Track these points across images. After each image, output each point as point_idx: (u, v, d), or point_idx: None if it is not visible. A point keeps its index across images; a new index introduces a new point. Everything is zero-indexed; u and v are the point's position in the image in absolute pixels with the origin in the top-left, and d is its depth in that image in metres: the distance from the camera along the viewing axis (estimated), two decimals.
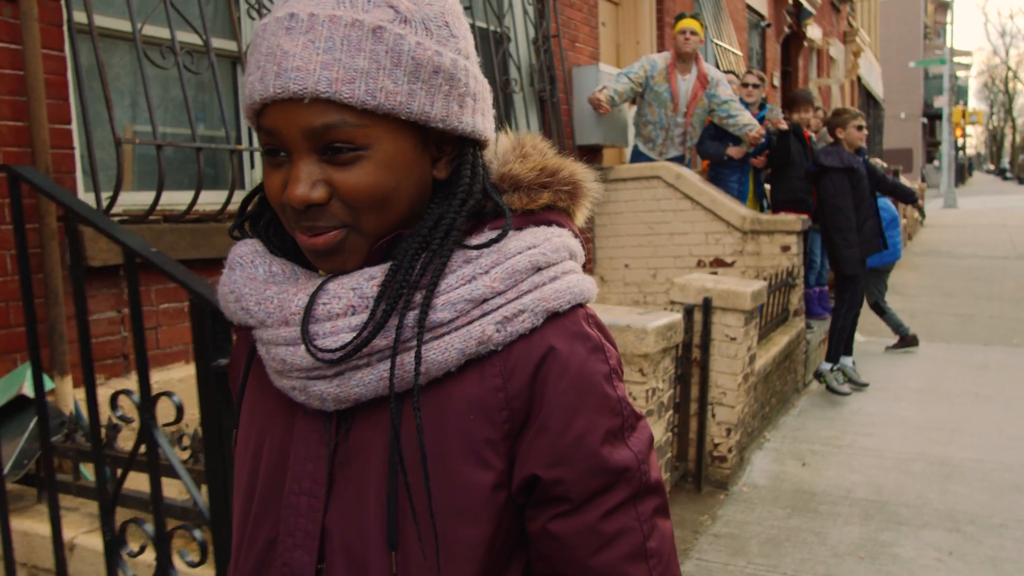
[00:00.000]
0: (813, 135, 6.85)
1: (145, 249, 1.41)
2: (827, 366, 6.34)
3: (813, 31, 15.01)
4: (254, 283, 0.89)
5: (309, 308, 0.83)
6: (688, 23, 6.32)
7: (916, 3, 40.71)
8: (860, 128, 6.13)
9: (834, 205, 6.02)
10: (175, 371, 3.20)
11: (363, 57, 0.78)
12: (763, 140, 6.49)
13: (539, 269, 0.87)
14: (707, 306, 4.51)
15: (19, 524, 2.45)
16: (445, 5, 0.85)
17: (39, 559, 2.40)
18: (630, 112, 6.87)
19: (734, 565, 3.80)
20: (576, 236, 0.95)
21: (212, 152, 3.59)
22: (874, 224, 6.16)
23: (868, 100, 24.07)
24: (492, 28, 5.31)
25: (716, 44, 9.42)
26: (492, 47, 5.30)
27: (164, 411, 1.83)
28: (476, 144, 0.91)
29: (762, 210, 7.08)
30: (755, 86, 6.77)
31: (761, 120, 6.60)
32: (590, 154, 6.56)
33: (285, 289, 0.87)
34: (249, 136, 3.79)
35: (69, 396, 2.82)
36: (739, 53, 10.37)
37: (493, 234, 0.88)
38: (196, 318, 1.36)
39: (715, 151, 6.55)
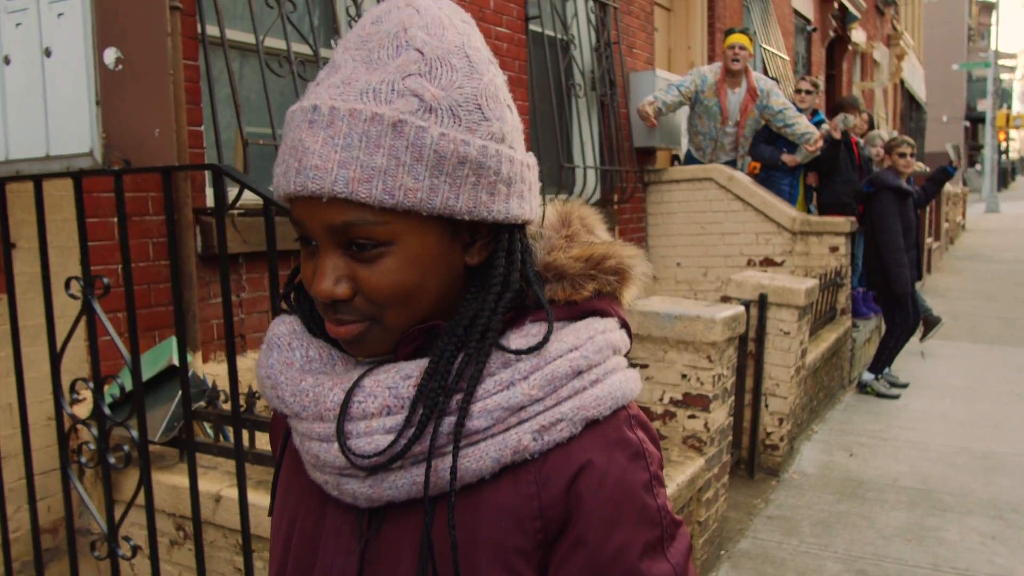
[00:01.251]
0: (860, 140, 7.07)
1: None
2: (870, 376, 6.59)
3: (858, 35, 15.11)
4: (290, 371, 0.88)
5: (345, 405, 0.83)
6: (737, 39, 6.55)
7: (960, 5, 40.34)
8: (902, 156, 6.59)
9: (884, 226, 6.40)
10: None
11: (381, 154, 0.76)
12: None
13: (580, 373, 0.85)
14: (763, 302, 4.77)
15: (168, 479, 2.80)
16: (479, 86, 0.82)
17: (186, 509, 2.73)
18: (683, 117, 7.14)
19: (788, 543, 4.06)
20: (622, 323, 0.93)
21: None
22: (915, 255, 6.52)
23: (910, 103, 24.00)
24: (559, 36, 5.60)
25: (764, 49, 9.63)
26: (559, 54, 5.59)
27: None
28: (515, 227, 0.87)
29: (809, 213, 7.31)
30: (808, 92, 7.00)
31: (816, 124, 6.84)
32: (645, 155, 6.83)
33: (321, 382, 0.86)
34: None
35: (200, 370, 3.17)
36: (786, 58, 10.56)
37: (534, 328, 0.86)
38: None
39: (769, 155, 6.79)
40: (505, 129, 0.83)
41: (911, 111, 24.23)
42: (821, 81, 7.83)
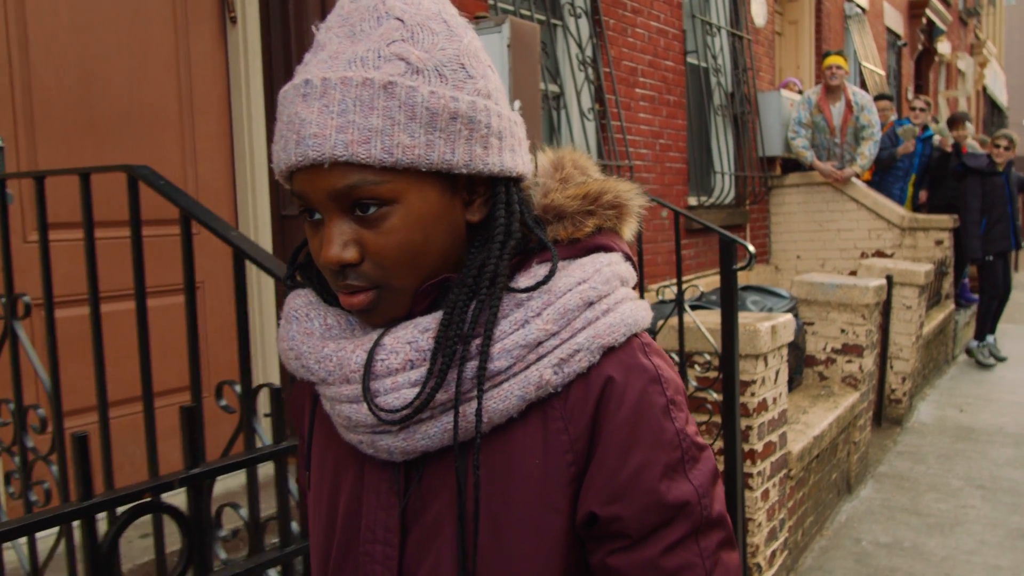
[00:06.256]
0: (975, 146, 8.16)
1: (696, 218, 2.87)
2: (975, 343, 7.62)
3: (943, 46, 15.91)
4: (311, 339, 0.90)
5: (368, 365, 0.84)
6: (833, 59, 7.58)
7: None
8: (996, 147, 7.84)
9: (965, 203, 7.72)
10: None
11: (376, 115, 0.79)
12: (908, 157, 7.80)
13: (591, 304, 0.86)
14: (889, 281, 5.84)
15: None
16: (460, 47, 0.84)
17: None
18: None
19: (917, 469, 5.14)
20: (627, 256, 0.95)
21: None
22: (1005, 228, 7.57)
23: (992, 109, 24.46)
24: (709, 66, 6.77)
25: (863, 66, 10.64)
26: (709, 80, 6.77)
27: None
28: (510, 180, 0.89)
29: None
30: (922, 110, 8.08)
31: (926, 139, 7.92)
32: (770, 163, 7.94)
33: (343, 346, 0.87)
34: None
35: None
36: (881, 72, 11.52)
37: (541, 268, 0.87)
38: (723, 247, 2.83)
39: (885, 156, 7.87)
40: (490, 87, 0.85)
41: (993, 116, 24.67)
42: (911, 91, 8.85)
